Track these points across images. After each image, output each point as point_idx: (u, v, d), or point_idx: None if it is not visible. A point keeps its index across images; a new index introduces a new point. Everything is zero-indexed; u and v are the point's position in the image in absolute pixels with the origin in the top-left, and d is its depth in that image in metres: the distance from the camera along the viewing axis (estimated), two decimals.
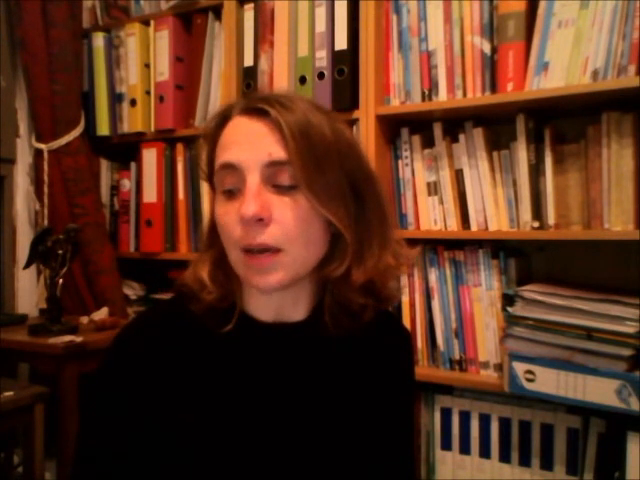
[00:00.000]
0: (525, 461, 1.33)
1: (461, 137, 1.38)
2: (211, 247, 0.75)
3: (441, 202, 1.41)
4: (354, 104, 1.46)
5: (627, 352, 1.14)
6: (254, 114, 0.68)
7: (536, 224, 1.30)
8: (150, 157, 1.81)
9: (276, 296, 0.73)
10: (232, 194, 0.68)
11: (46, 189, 1.86)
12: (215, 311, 0.72)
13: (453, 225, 1.39)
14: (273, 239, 0.65)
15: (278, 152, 0.65)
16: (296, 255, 0.67)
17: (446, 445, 1.41)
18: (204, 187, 1.72)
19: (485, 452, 1.37)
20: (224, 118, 0.71)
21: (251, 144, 0.66)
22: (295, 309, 0.75)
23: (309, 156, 0.65)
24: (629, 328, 1.13)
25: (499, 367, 1.34)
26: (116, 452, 0.69)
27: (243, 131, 0.68)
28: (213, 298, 0.71)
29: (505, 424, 1.35)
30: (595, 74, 1.21)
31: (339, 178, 0.68)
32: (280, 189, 0.66)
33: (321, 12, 1.49)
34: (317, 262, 0.71)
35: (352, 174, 0.70)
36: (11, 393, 1.44)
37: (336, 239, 0.70)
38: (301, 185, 0.65)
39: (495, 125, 1.40)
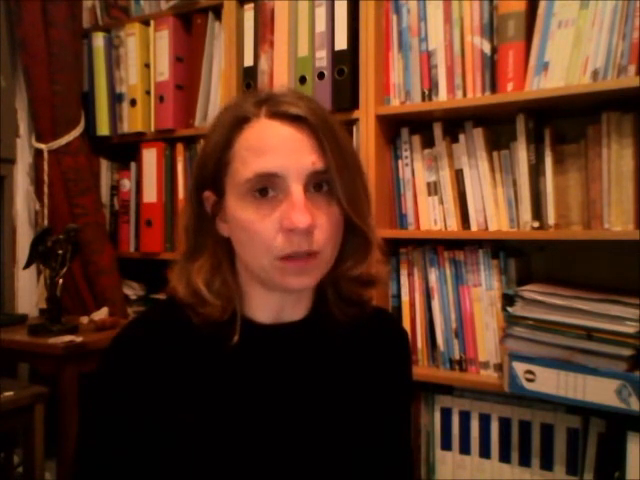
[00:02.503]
0: (525, 461, 1.33)
1: (461, 137, 1.38)
2: (199, 254, 0.72)
3: (441, 202, 1.41)
4: (354, 104, 1.46)
5: (627, 352, 1.14)
6: (285, 119, 0.67)
7: (536, 224, 1.30)
8: (150, 157, 1.81)
9: (280, 299, 0.73)
10: (263, 198, 0.66)
11: (46, 189, 1.86)
12: (217, 324, 0.70)
13: (453, 225, 1.39)
14: (317, 245, 0.66)
15: (319, 160, 0.66)
16: (328, 257, 0.68)
17: (446, 445, 1.41)
18: None
19: (485, 452, 1.37)
20: (239, 121, 0.68)
21: (293, 152, 0.66)
22: (296, 308, 0.75)
23: (342, 164, 0.67)
24: (629, 328, 1.13)
25: (499, 367, 1.34)
26: (116, 453, 0.69)
27: (279, 136, 0.67)
28: (215, 311, 0.70)
29: (505, 424, 1.35)
30: (595, 74, 1.21)
31: (360, 184, 0.70)
32: (316, 193, 0.67)
33: (321, 12, 1.49)
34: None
35: (361, 176, 0.72)
36: (11, 393, 1.44)
37: (346, 240, 0.71)
38: (338, 193, 0.66)
39: (495, 125, 1.40)
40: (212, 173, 0.70)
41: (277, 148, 0.66)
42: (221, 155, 0.69)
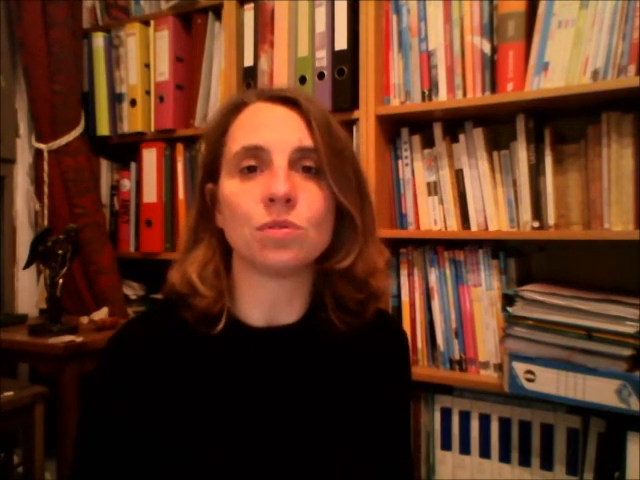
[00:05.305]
0: (525, 461, 1.33)
1: (461, 137, 1.38)
2: (196, 245, 0.74)
3: (441, 202, 1.41)
4: (354, 104, 1.46)
5: (627, 352, 1.14)
6: (278, 102, 0.70)
7: (536, 224, 1.30)
8: (150, 157, 1.81)
9: (272, 290, 0.72)
10: (250, 174, 0.67)
11: (46, 189, 1.86)
12: (207, 318, 0.71)
13: (453, 225, 1.39)
14: (298, 219, 0.65)
15: (307, 139, 0.67)
16: (313, 237, 0.67)
17: (446, 445, 1.41)
18: None
19: (485, 452, 1.37)
20: (237, 106, 0.72)
21: (280, 127, 0.68)
22: (289, 308, 0.74)
23: (332, 146, 0.67)
24: (629, 328, 1.13)
25: (499, 367, 1.34)
26: (114, 452, 0.69)
27: (270, 115, 0.69)
28: (205, 303, 0.70)
29: (505, 424, 1.35)
30: (595, 74, 1.21)
31: (351, 173, 0.71)
32: (304, 174, 0.68)
33: (321, 12, 1.49)
34: (322, 251, 0.71)
35: (357, 173, 0.73)
36: (11, 393, 1.44)
37: (338, 232, 0.72)
38: (324, 172, 0.67)
39: (495, 125, 1.40)
40: (211, 159, 0.72)
41: (266, 124, 0.68)
42: (218, 139, 0.71)
